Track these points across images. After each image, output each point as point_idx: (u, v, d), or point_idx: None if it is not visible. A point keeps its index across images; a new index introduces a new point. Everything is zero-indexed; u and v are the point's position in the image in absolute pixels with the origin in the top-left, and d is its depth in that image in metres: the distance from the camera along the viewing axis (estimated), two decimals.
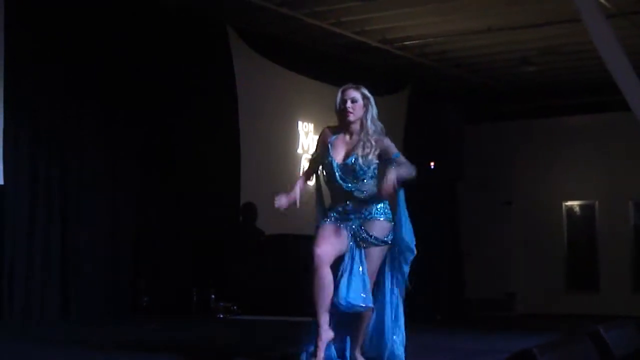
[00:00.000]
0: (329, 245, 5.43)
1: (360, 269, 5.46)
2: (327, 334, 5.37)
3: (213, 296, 10.50)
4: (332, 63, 12.39)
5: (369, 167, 5.52)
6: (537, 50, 12.62)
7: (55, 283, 9.33)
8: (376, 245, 5.54)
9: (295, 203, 5.66)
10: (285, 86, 12.13)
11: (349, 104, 5.58)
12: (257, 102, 11.58)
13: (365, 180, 5.53)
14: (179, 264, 10.54)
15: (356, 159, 5.50)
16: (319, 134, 5.85)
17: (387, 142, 5.62)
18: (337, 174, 5.52)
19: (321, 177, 5.76)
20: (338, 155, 5.56)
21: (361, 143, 5.54)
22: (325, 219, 5.57)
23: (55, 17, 9.40)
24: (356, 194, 5.52)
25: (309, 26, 11.13)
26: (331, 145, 5.60)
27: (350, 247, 5.50)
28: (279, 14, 10.62)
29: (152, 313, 9.91)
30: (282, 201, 5.63)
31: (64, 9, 9.44)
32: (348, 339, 5.62)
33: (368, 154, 5.51)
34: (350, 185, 5.52)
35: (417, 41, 12.20)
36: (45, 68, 9.35)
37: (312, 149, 12.43)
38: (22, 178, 9.08)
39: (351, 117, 5.57)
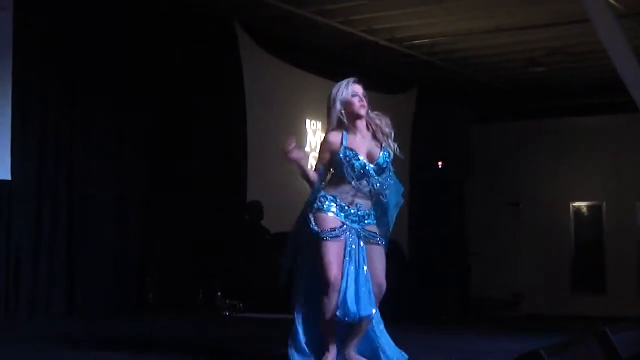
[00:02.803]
0: (339, 269, 5.27)
1: (365, 271, 5.37)
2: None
3: (219, 294, 10.51)
4: (340, 62, 12.38)
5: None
6: (545, 51, 12.60)
7: (61, 279, 9.33)
8: (378, 243, 5.48)
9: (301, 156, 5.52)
10: (293, 84, 12.13)
11: (360, 98, 5.43)
12: (265, 100, 11.58)
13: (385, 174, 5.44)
14: (185, 261, 10.54)
15: (386, 156, 5.41)
16: (324, 142, 5.55)
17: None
18: (371, 174, 5.35)
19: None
20: (363, 156, 5.37)
21: (385, 137, 5.44)
22: (327, 212, 5.30)
23: (64, 14, 9.40)
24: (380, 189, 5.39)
25: (317, 24, 11.12)
26: (347, 144, 5.38)
27: (352, 251, 5.35)
28: (287, 12, 10.62)
29: (158, 310, 9.91)
30: (292, 145, 5.48)
31: (74, 6, 9.45)
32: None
33: (393, 147, 5.46)
34: (379, 181, 5.40)
35: (425, 40, 12.19)
36: (54, 65, 9.35)
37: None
38: (30, 173, 9.08)
39: (363, 112, 5.42)
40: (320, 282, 5.29)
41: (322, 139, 5.63)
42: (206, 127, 10.92)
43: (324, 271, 5.24)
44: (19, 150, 8.84)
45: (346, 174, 5.34)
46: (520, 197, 15.92)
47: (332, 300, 5.24)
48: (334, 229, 5.27)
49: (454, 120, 15.44)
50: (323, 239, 5.26)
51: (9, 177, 8.69)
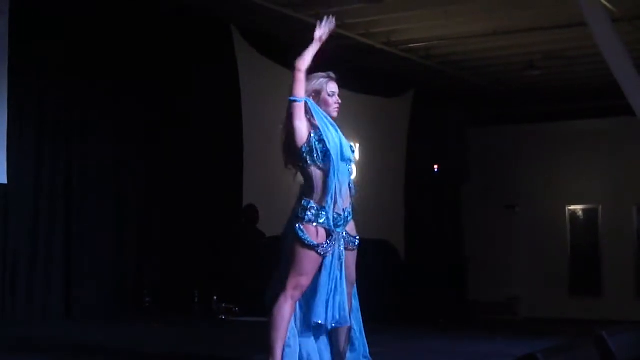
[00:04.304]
0: (309, 282, 5.15)
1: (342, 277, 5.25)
2: None
3: (215, 297, 10.50)
4: (336, 65, 12.33)
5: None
6: (542, 54, 12.62)
7: (57, 282, 9.33)
8: (355, 248, 5.37)
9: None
10: (289, 87, 12.10)
11: (337, 98, 5.39)
12: (260, 104, 11.57)
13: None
14: (182, 264, 10.54)
15: (350, 146, 5.30)
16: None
17: None
18: (349, 156, 5.22)
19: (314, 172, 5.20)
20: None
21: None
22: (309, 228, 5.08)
23: (60, 16, 9.39)
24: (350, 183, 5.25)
25: (313, 28, 11.07)
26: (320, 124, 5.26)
27: (340, 255, 5.19)
28: (283, 15, 10.61)
29: (154, 313, 9.90)
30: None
31: (69, 9, 9.44)
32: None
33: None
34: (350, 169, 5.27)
35: (422, 44, 12.19)
36: (50, 68, 9.35)
37: None
38: (26, 177, 9.08)
39: (336, 114, 5.34)
40: (288, 284, 5.11)
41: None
42: (202, 130, 10.91)
43: (301, 275, 5.09)
44: (15, 153, 8.83)
45: (314, 159, 5.19)
46: (516, 200, 15.93)
47: (293, 306, 5.15)
48: (323, 244, 5.10)
49: (450, 123, 15.45)
50: (314, 249, 5.07)
51: (5, 181, 8.69)
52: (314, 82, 5.44)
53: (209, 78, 10.94)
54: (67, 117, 9.57)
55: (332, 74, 5.47)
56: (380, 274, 13.02)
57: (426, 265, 14.40)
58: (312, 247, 5.07)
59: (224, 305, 10.49)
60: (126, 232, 10.21)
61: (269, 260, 11.09)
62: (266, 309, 5.22)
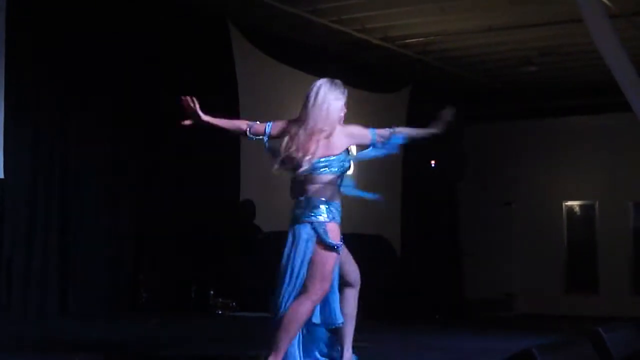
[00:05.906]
0: None
1: None
2: None
3: (212, 292, 10.51)
4: (333, 60, 12.36)
5: None
6: (538, 50, 12.61)
7: (54, 279, 9.31)
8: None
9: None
10: (286, 83, 12.10)
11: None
12: (257, 99, 11.56)
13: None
14: (179, 260, 10.53)
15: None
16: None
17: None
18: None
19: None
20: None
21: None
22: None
23: (56, 12, 9.37)
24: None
25: (310, 23, 11.11)
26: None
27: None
28: (280, 10, 10.61)
29: (152, 309, 9.90)
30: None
31: (67, 5, 9.42)
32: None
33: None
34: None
35: (418, 39, 12.19)
36: (47, 63, 9.33)
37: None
38: (23, 172, 9.06)
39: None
40: (312, 286, 5.06)
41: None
42: (199, 126, 10.88)
43: (324, 280, 5.03)
44: (11, 148, 8.81)
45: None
46: (512, 197, 15.93)
47: (312, 310, 5.10)
48: (341, 243, 5.12)
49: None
50: (337, 251, 5.06)
51: (1, 175, 8.67)
52: (335, 91, 5.54)
53: (207, 74, 10.93)
54: (64, 112, 9.55)
55: (345, 91, 5.45)
56: (376, 269, 13.02)
57: (422, 262, 14.40)
58: (335, 249, 5.03)
59: (221, 300, 10.50)
60: (123, 228, 10.20)
61: (266, 255, 11.13)
62: (273, 312, 5.19)
